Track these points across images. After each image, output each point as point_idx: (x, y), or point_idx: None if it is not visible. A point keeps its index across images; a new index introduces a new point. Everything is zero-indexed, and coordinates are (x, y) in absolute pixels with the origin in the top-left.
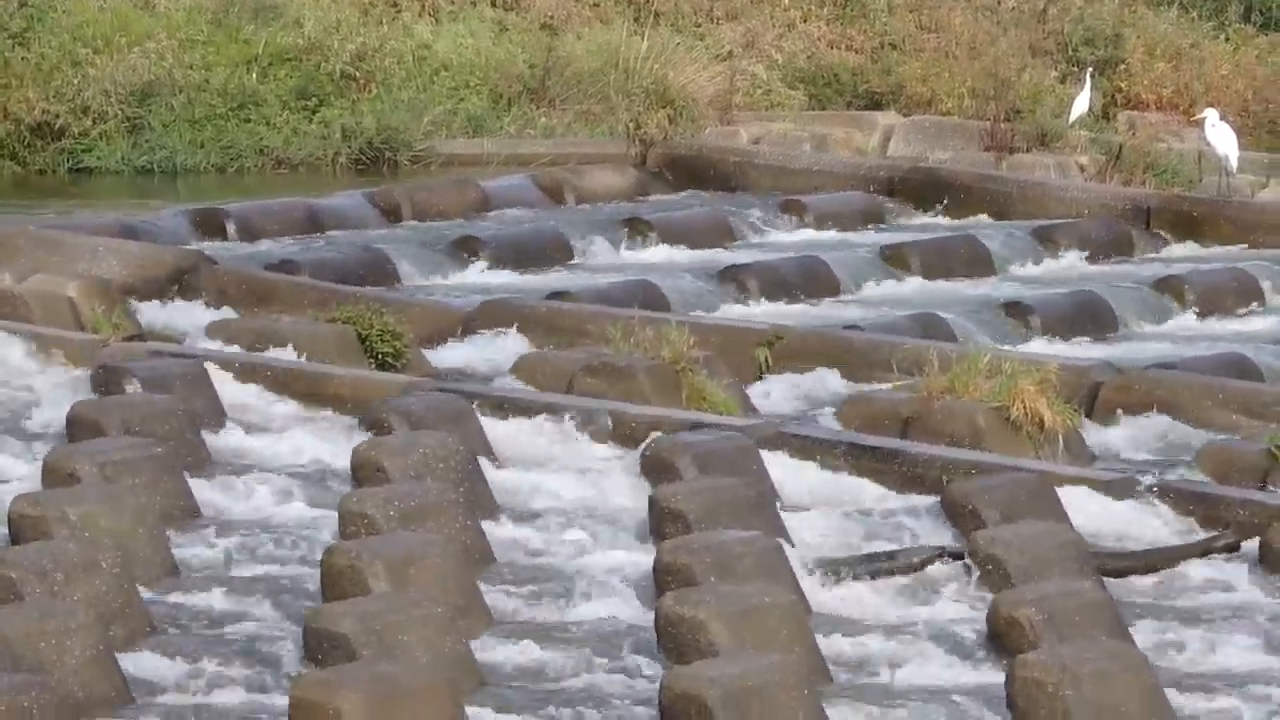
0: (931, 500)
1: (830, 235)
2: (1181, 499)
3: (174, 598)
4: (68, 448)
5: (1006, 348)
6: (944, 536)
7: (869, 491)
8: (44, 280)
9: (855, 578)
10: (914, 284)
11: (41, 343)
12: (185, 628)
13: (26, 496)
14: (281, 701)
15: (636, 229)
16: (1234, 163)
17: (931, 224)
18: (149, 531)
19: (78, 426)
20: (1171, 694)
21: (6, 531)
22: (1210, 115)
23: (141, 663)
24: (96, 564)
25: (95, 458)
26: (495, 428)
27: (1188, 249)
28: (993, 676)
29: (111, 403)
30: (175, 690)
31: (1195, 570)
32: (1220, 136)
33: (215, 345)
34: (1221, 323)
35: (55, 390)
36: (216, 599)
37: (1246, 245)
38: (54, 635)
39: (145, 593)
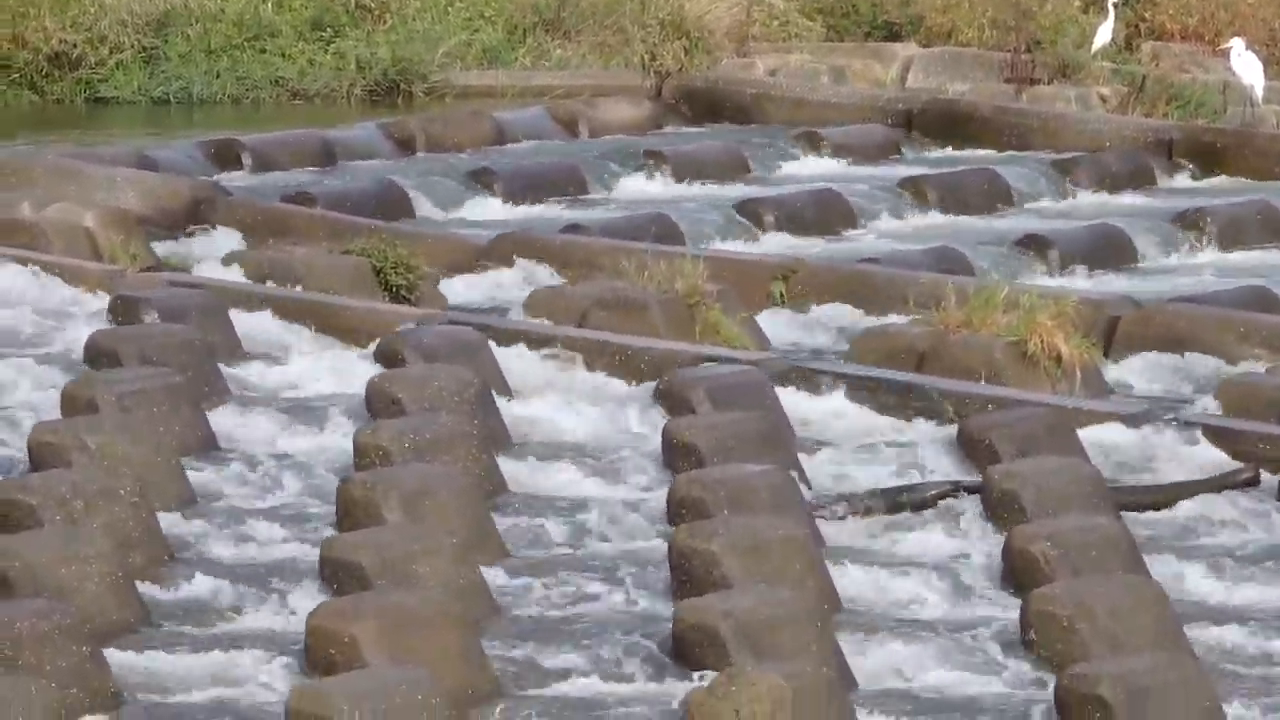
0: (947, 434)
1: (847, 168)
2: (1201, 433)
3: (191, 526)
4: (86, 377)
5: (1024, 281)
6: (960, 471)
7: (884, 425)
8: (62, 210)
9: (870, 511)
10: (931, 217)
11: (59, 272)
12: (203, 556)
13: (46, 425)
14: (298, 629)
15: (651, 161)
16: (1259, 93)
17: (950, 157)
18: (166, 460)
19: (95, 356)
20: (1189, 628)
21: (26, 459)
22: (1236, 45)
23: (160, 590)
24: (115, 492)
25: (113, 387)
26: (509, 360)
27: (1211, 181)
28: (1008, 611)
29: (129, 333)
30: (193, 618)
31: (1214, 505)
32: (1246, 66)
33: (231, 276)
34: (1244, 256)
35: (73, 320)
36: (233, 528)
37: (1271, 177)
38: (74, 562)
39: (163, 521)
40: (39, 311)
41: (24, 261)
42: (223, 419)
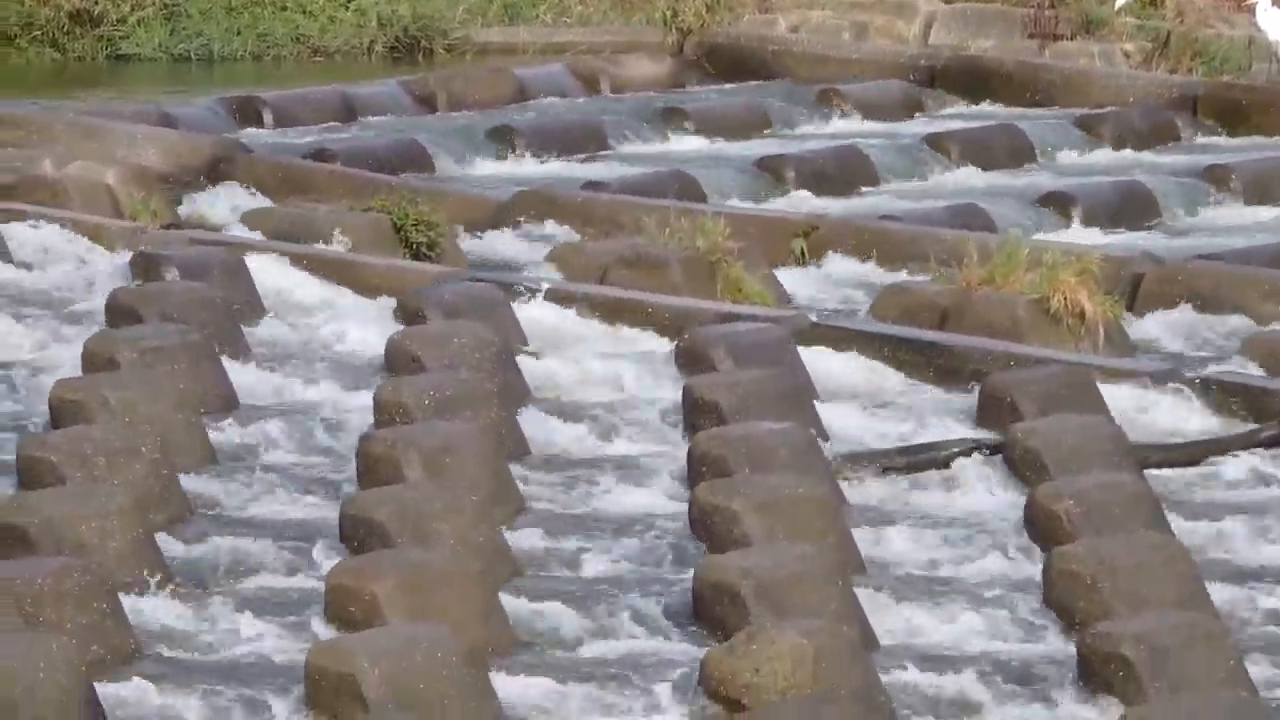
0: (969, 392)
1: (869, 125)
2: (1225, 391)
3: (211, 484)
4: (107, 334)
5: (1047, 238)
6: (981, 429)
7: (905, 383)
8: (83, 167)
9: (891, 470)
10: (954, 174)
11: (80, 229)
12: (223, 513)
13: (66, 382)
14: (318, 586)
15: (673, 118)
16: None
17: (972, 113)
18: (187, 418)
19: (116, 313)
20: (1212, 587)
21: (48, 416)
22: (1262, 0)
23: (180, 547)
24: (136, 449)
25: (134, 344)
26: (529, 318)
27: (1235, 138)
28: (1030, 569)
29: (150, 290)
30: (212, 574)
31: (1238, 463)
32: (1272, 22)
33: (251, 233)
34: (1269, 212)
35: (94, 277)
36: (253, 485)
37: None
38: (95, 519)
39: (183, 478)
40: (60, 269)
41: (45, 218)
42: (243, 376)
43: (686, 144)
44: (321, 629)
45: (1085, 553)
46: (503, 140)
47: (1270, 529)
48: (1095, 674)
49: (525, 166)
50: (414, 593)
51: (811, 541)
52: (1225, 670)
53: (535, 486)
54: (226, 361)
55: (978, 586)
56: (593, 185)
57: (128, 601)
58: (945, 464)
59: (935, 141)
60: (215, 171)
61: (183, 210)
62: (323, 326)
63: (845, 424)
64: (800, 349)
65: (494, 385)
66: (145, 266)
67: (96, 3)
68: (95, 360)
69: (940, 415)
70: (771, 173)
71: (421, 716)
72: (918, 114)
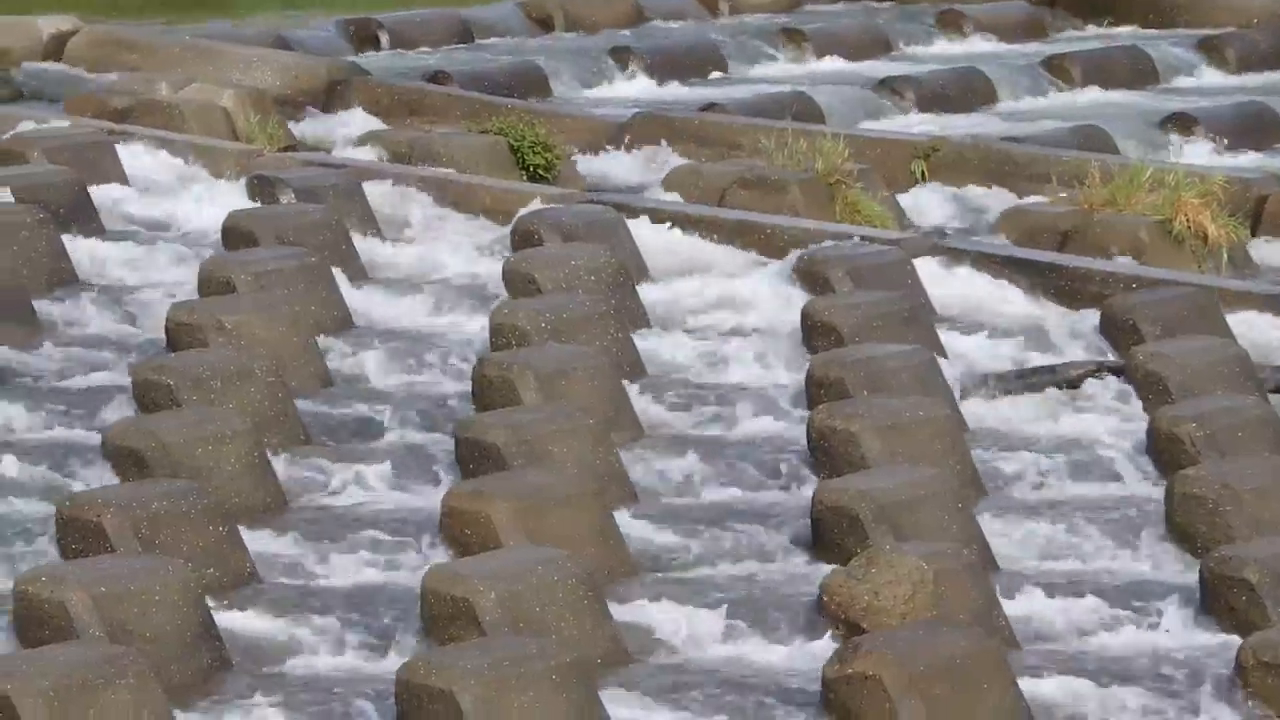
0: (1091, 314)
1: (990, 46)
2: None
3: (327, 407)
4: (222, 256)
5: (1169, 160)
6: (1103, 351)
7: (1026, 305)
8: (199, 90)
9: (1011, 392)
10: (1075, 95)
11: (196, 152)
12: (338, 436)
13: (182, 305)
14: (434, 510)
15: (792, 40)
16: None
17: (1095, 34)
18: (303, 340)
19: (232, 236)
20: None
21: (164, 340)
22: None
23: (296, 469)
24: (251, 372)
25: (250, 267)
26: (646, 240)
27: None
28: (1151, 492)
29: (265, 212)
30: (328, 496)
31: None
32: None
33: (367, 156)
34: None
35: (210, 200)
36: (368, 408)
37: None
38: (210, 442)
39: (299, 401)
40: (175, 192)
41: (161, 142)
42: (359, 299)
43: (806, 65)
44: (437, 553)
45: (1208, 476)
46: (620, 62)
47: None
48: (1218, 598)
49: (642, 88)
50: (530, 516)
51: (931, 464)
52: None
53: (652, 409)
54: (342, 284)
55: (1098, 510)
56: (711, 107)
57: (243, 525)
58: (1066, 386)
59: (1057, 62)
60: (332, 94)
61: (298, 133)
62: (439, 249)
63: (965, 346)
64: (920, 271)
65: (610, 308)
66: (261, 189)
67: None
68: (211, 283)
69: (1061, 337)
70: (891, 94)
71: (538, 641)
72: (1039, 35)
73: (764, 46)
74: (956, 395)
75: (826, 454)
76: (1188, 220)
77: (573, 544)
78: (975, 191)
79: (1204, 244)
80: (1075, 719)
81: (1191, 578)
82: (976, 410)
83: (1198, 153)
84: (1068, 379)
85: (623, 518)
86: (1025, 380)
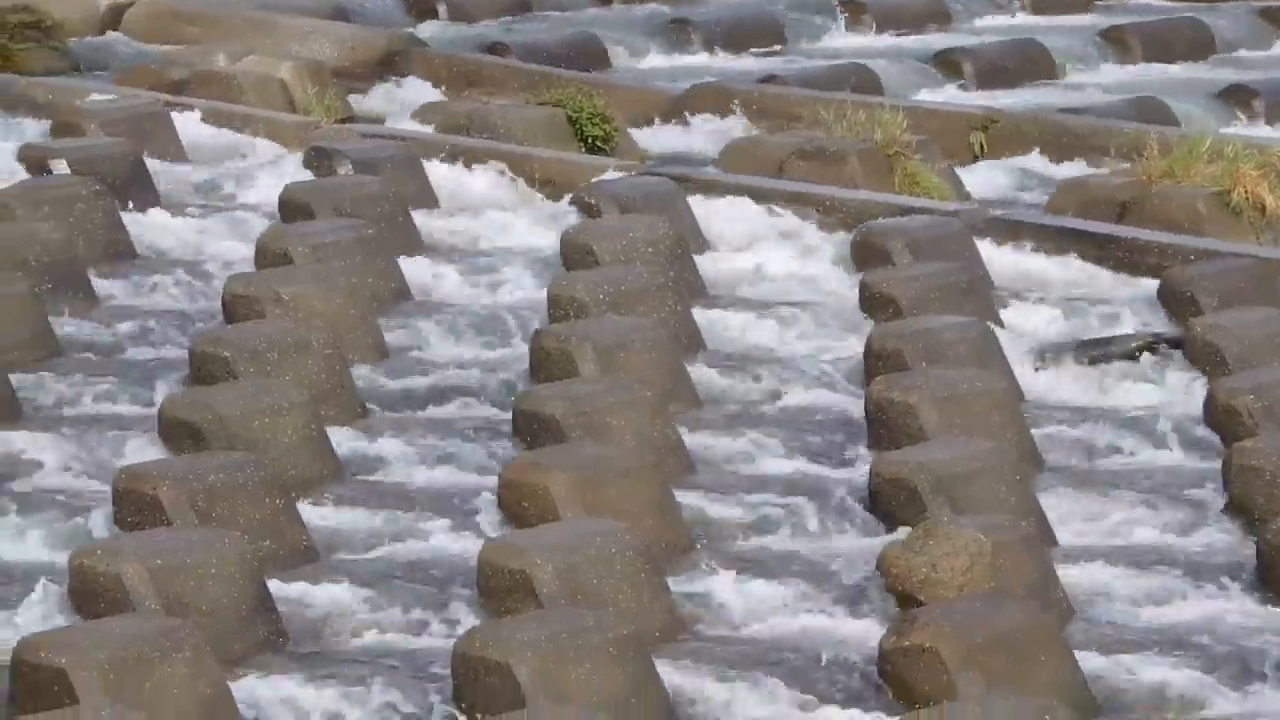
0: (1148, 286)
1: (1048, 18)
2: None
3: (384, 379)
4: (280, 229)
5: (1228, 131)
6: (1161, 323)
7: (1084, 277)
8: (257, 62)
9: (1069, 363)
10: (1133, 67)
11: (253, 124)
12: (395, 409)
13: (240, 277)
14: (491, 481)
15: (850, 11)
16: None
17: (1153, 5)
18: (360, 312)
19: (289, 208)
20: None
21: (220, 312)
22: None
23: (353, 442)
24: (308, 344)
25: (307, 239)
26: (705, 211)
27: None
28: (1209, 464)
29: (323, 184)
30: (385, 470)
31: None
32: None
33: (425, 128)
34: None
35: (267, 172)
36: (426, 380)
37: None
38: (267, 414)
39: (356, 373)
40: (233, 164)
41: (218, 113)
42: (416, 271)
43: (864, 37)
44: (495, 525)
45: (1265, 448)
46: (679, 34)
47: None
48: (1275, 570)
49: (701, 60)
50: (588, 489)
51: (989, 436)
52: None
53: (710, 381)
54: (399, 256)
55: (1156, 481)
56: (769, 78)
57: (300, 498)
58: (1124, 357)
59: (1115, 34)
60: (389, 65)
61: (356, 105)
62: (496, 220)
63: (1023, 318)
64: (978, 242)
65: (669, 280)
66: (318, 161)
67: None
68: (268, 255)
69: (1118, 309)
70: (949, 66)
71: (595, 613)
72: (1097, 6)
73: (823, 18)
74: (1014, 367)
75: (884, 426)
76: (1246, 192)
77: (630, 516)
78: (1033, 163)
79: (1262, 215)
80: (1132, 691)
81: (1249, 550)
82: (1034, 382)
83: (1256, 125)
84: (1125, 351)
85: (680, 490)
86: (1083, 351)
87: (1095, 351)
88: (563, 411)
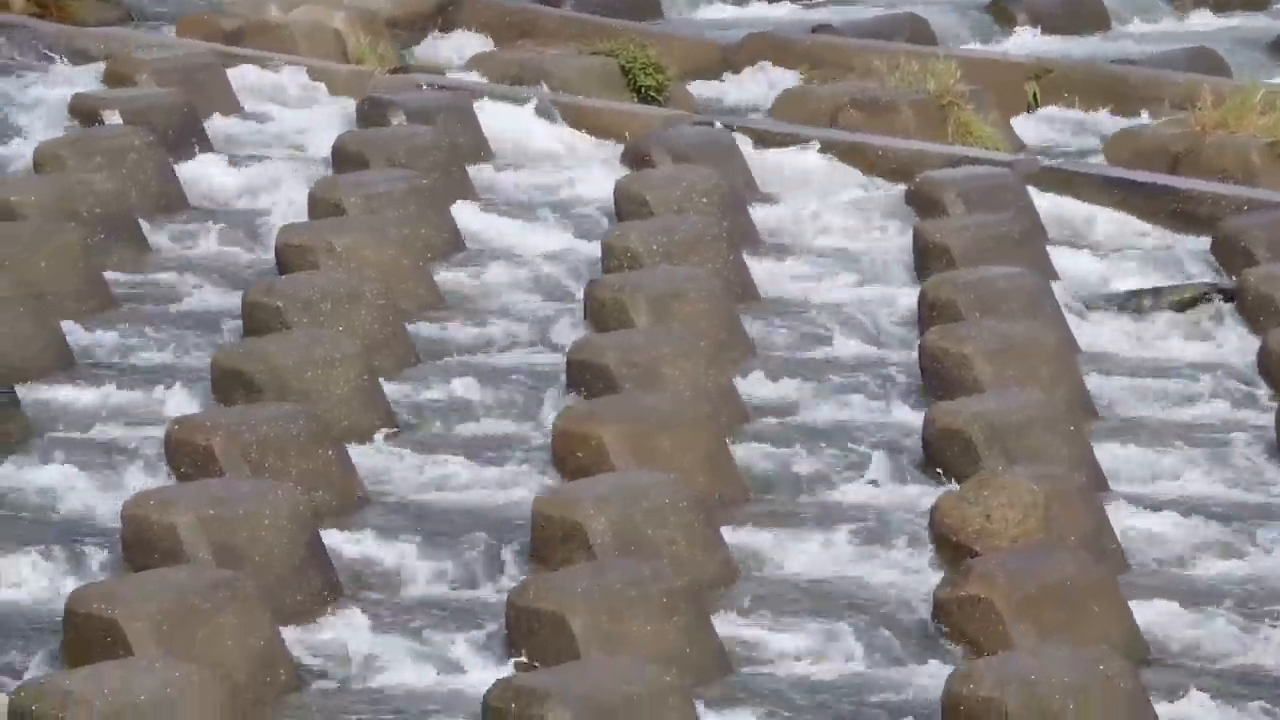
0: (1202, 237)
1: None
2: None
3: (437, 328)
4: (333, 179)
5: None
6: (1214, 274)
7: (1137, 228)
8: (310, 11)
9: (1124, 314)
10: (1187, 18)
11: (307, 74)
12: (449, 358)
13: (293, 227)
14: (545, 433)
15: None
16: None
17: None
18: (413, 263)
19: (342, 158)
20: None
21: (274, 262)
22: None
23: (406, 392)
24: (361, 295)
25: (361, 189)
26: (758, 161)
27: None
28: (1263, 416)
29: (376, 135)
30: (440, 420)
31: None
32: None
33: (478, 78)
34: None
35: (320, 122)
36: (480, 330)
37: None
38: (320, 365)
39: (409, 324)
40: (286, 114)
41: (271, 64)
42: (470, 220)
43: None
44: (548, 475)
45: None
46: None
47: None
48: None
49: (755, 10)
50: (641, 439)
51: (1043, 387)
52: None
53: (764, 332)
54: (453, 206)
55: (1209, 432)
56: (823, 28)
57: (353, 448)
58: (1179, 308)
59: None
60: (442, 16)
61: (409, 55)
62: (550, 171)
63: (1076, 268)
64: (1032, 193)
65: (723, 230)
66: (372, 111)
67: None
68: (321, 206)
69: (1173, 260)
70: (1003, 15)
71: (649, 564)
72: None
73: None
74: (1068, 318)
75: (938, 376)
76: None
77: (684, 467)
78: (1087, 113)
79: None
80: (1185, 641)
81: None
82: (1088, 333)
83: None
84: (1179, 301)
85: (734, 440)
86: (1138, 302)
87: (1148, 302)
88: (616, 361)
